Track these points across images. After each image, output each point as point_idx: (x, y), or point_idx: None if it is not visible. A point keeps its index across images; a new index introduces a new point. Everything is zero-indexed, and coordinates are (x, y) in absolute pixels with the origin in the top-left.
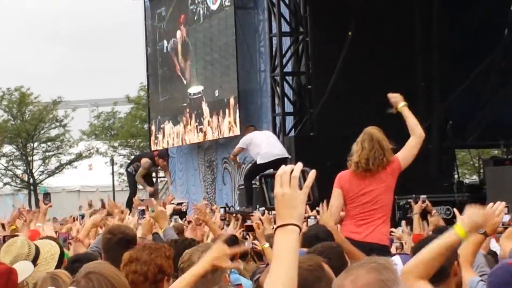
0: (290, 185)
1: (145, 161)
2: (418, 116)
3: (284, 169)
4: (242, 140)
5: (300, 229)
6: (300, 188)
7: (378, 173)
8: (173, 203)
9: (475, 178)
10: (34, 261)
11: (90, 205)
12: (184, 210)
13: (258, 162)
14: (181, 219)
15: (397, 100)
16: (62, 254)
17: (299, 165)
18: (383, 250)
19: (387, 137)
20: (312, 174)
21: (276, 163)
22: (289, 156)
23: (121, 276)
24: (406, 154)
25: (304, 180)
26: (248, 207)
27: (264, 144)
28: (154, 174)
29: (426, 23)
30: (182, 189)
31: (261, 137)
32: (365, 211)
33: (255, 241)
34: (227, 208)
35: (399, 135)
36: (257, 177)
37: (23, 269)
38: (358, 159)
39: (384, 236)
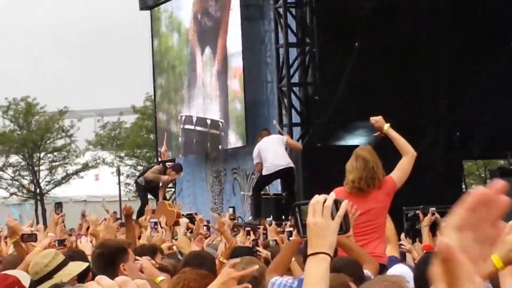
0: (323, 215)
1: (158, 166)
2: (424, 128)
3: (317, 198)
4: (254, 153)
5: (331, 257)
6: (333, 218)
7: (373, 193)
8: (183, 215)
9: None
10: (51, 274)
11: (83, 215)
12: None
13: (263, 174)
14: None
15: (381, 123)
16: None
17: (332, 195)
18: (381, 269)
19: (386, 152)
20: (345, 204)
21: (281, 173)
22: (293, 166)
23: None
24: (400, 174)
25: (337, 210)
26: (256, 219)
27: (270, 156)
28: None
29: (433, 34)
30: (189, 200)
31: (266, 146)
32: (361, 231)
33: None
34: (235, 219)
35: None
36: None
37: (23, 278)
38: (353, 178)
39: (383, 256)
